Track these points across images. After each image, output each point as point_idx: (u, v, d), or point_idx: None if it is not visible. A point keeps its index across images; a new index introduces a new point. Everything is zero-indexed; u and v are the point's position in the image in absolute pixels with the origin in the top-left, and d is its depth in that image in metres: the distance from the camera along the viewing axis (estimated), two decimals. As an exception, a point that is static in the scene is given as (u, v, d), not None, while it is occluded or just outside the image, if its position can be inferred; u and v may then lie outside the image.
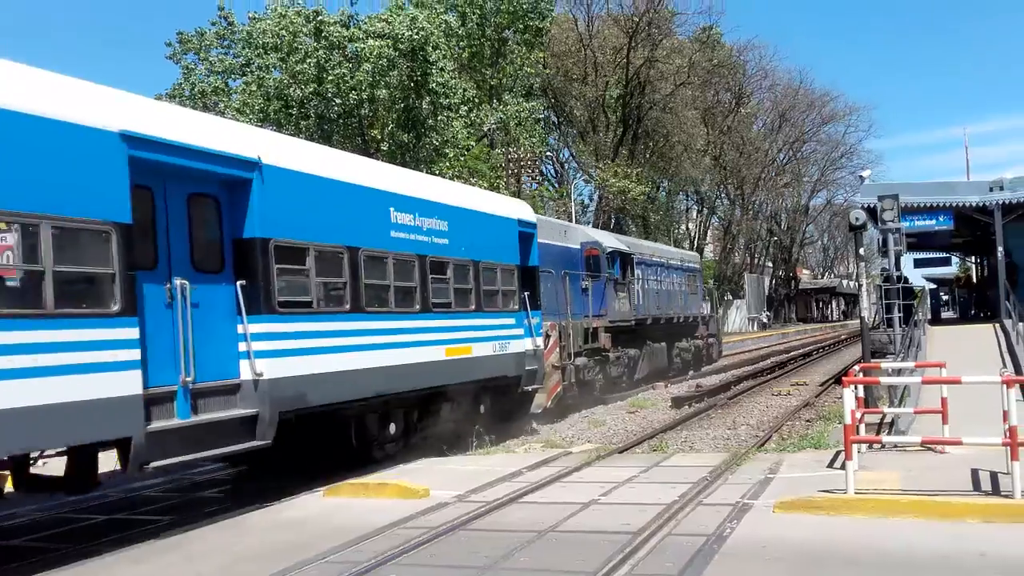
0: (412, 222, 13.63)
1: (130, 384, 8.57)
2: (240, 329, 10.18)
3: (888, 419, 13.11)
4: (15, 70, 8.20)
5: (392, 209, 13.14)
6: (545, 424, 18.50)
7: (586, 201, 58.25)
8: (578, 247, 23.71)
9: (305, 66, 28.56)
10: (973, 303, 37.40)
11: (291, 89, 29.01)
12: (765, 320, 79.10)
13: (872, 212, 21.38)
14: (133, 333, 8.67)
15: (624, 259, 25.58)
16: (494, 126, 34.52)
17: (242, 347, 10.20)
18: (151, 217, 9.33)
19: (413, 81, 28.74)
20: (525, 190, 47.21)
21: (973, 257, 41.97)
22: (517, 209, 18.02)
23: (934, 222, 25.83)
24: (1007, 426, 8.58)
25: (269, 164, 10.61)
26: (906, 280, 26.70)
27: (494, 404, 16.28)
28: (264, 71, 29.78)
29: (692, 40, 59.05)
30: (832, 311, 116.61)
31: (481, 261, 15.53)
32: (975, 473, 9.46)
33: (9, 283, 7.74)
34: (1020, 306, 19.31)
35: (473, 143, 32.50)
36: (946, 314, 37.54)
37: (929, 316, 29.62)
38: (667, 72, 54.91)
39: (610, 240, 26.38)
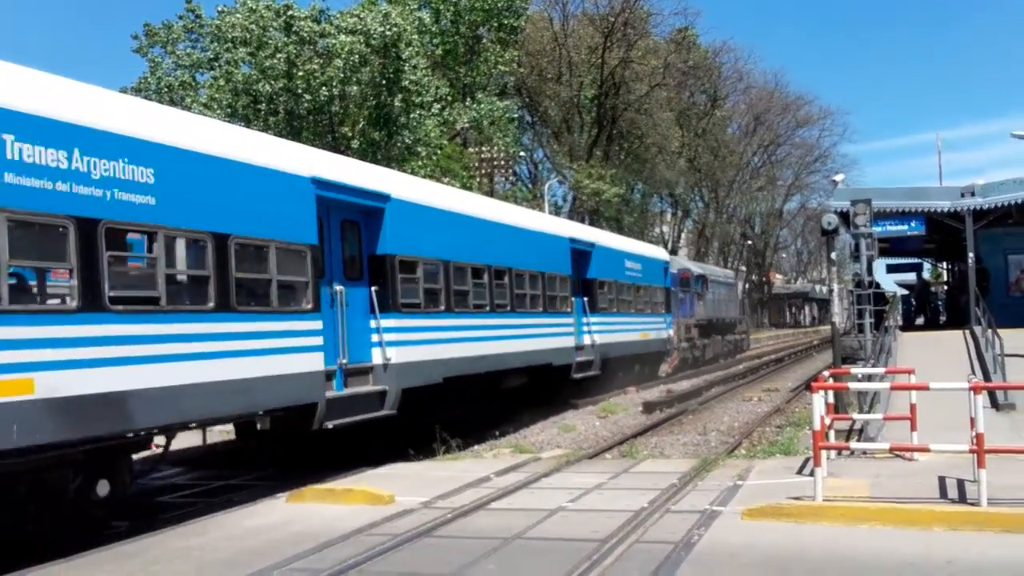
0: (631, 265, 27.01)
1: (318, 362, 11.91)
2: (373, 324, 13.57)
3: (858, 425, 13.11)
4: (244, 134, 12.75)
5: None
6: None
7: (560, 202, 58.28)
8: (676, 272, 33.70)
9: (275, 61, 28.24)
10: (929, 309, 37.78)
11: (260, 84, 28.66)
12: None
13: (845, 216, 21.45)
14: (319, 325, 12.01)
15: (700, 278, 37.98)
16: (467, 125, 34.34)
17: (375, 338, 13.58)
18: (322, 238, 12.42)
19: (385, 78, 28.50)
20: (498, 190, 47.10)
21: (944, 263, 42.34)
22: (663, 253, 33.51)
23: (906, 227, 25.96)
24: (974, 433, 8.58)
25: (396, 197, 14.15)
26: (878, 285, 26.87)
27: (645, 366, 28.65)
28: (233, 66, 29.41)
29: (668, 41, 59.21)
30: (804, 316, 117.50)
31: (646, 285, 28.33)
32: (942, 480, 9.48)
33: (254, 288, 11.08)
34: (990, 312, 19.41)
35: (446, 142, 32.32)
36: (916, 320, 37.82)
37: (901, 322, 29.83)
38: (642, 73, 55.02)
39: (694, 265, 39.85)
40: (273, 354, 11.10)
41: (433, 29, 33.11)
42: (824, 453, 9.36)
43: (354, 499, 10.52)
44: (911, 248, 34.06)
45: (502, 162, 46.69)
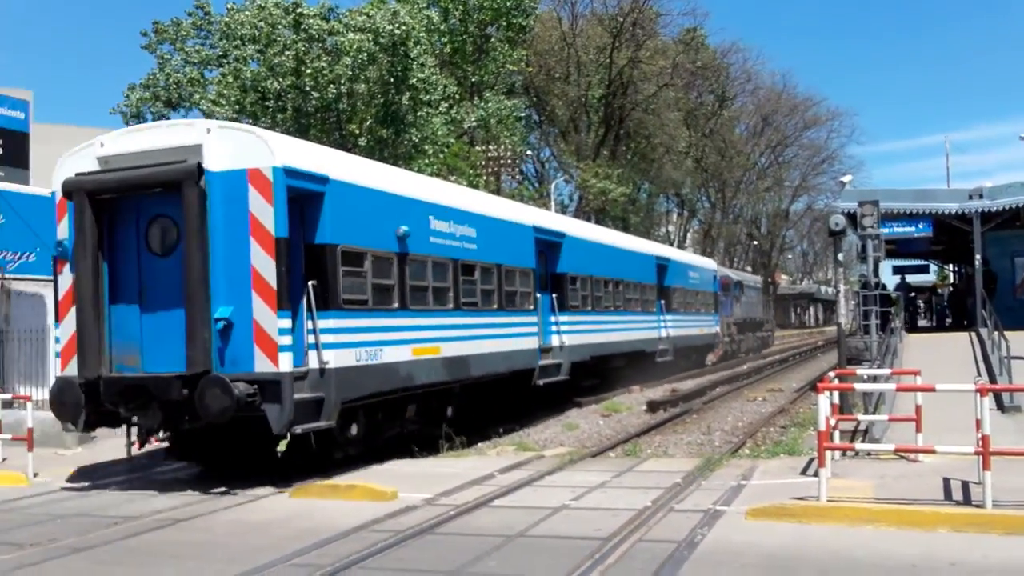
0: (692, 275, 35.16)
1: (536, 343, 19.05)
2: (553, 319, 20.30)
3: (862, 426, 13.08)
4: (503, 202, 21.09)
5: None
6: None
7: (566, 201, 58.23)
8: (710, 273, 38.84)
9: (283, 58, 28.23)
10: (934, 311, 37.63)
11: (268, 82, 28.66)
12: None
13: (852, 218, 21.39)
14: (536, 319, 19.14)
15: (738, 284, 45.14)
16: (474, 123, 34.30)
17: (554, 328, 20.31)
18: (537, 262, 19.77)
19: (393, 76, 28.48)
20: (505, 189, 47.09)
21: (951, 265, 42.21)
22: (713, 264, 41.44)
23: (913, 229, 25.91)
24: (980, 435, 8.55)
25: (569, 235, 22.06)
26: (885, 287, 26.78)
27: (699, 355, 35.30)
28: (241, 63, 29.41)
29: (676, 41, 59.12)
30: (810, 317, 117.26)
31: (702, 290, 35.75)
32: (947, 482, 9.45)
33: (512, 295, 18.00)
34: (996, 315, 19.34)
35: (453, 140, 32.28)
36: (922, 322, 37.70)
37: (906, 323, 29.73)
38: (650, 73, 54.96)
39: (732, 273, 47.64)
40: (519, 337, 18.36)
41: (442, 28, 33.09)
42: (829, 454, 9.34)
43: (357, 495, 10.52)
44: (918, 250, 33.95)
45: (509, 161, 46.62)
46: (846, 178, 49.49)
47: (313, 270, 12.15)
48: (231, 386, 10.85)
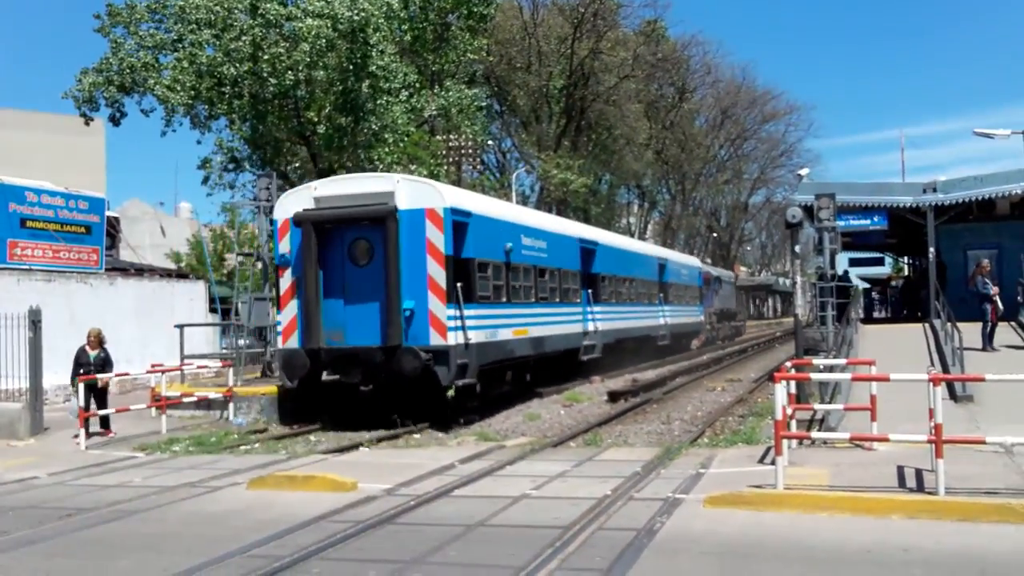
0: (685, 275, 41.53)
1: (581, 328, 24.59)
2: (588, 309, 25.33)
3: (819, 415, 13.24)
4: (560, 220, 28.70)
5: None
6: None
7: (527, 192, 58.20)
8: (698, 271, 44.64)
9: (240, 44, 27.70)
10: (889, 303, 38.33)
11: (225, 67, 28.12)
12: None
13: (809, 210, 21.68)
14: (580, 309, 24.69)
15: (716, 279, 50.58)
16: (435, 112, 34.03)
17: (590, 316, 25.41)
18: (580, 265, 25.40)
19: (352, 63, 28.09)
20: (466, 179, 46.92)
21: (906, 257, 42.93)
22: (697, 262, 47.73)
23: (869, 222, 26.32)
24: (933, 424, 8.69)
25: (602, 243, 27.82)
26: (844, 277, 27.16)
27: (686, 340, 39.21)
28: (197, 48, 28.82)
29: (637, 33, 59.20)
30: (768, 308, 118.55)
31: (690, 285, 40.79)
32: (901, 470, 9.60)
33: (566, 290, 23.79)
34: (948, 307, 19.71)
35: (413, 129, 32.01)
36: (878, 314, 38.36)
37: (862, 315, 30.20)
38: (611, 64, 55.03)
39: (711, 269, 52.77)
40: (571, 323, 23.92)
41: (402, 15, 32.62)
42: (785, 442, 9.44)
43: (316, 486, 10.44)
44: (874, 242, 34.51)
45: (470, 151, 46.44)
46: (804, 171, 49.95)
47: (460, 275, 17.27)
48: (419, 353, 16.29)
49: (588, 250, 26.20)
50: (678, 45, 66.22)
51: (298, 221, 17.38)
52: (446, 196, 17.42)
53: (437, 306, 16.65)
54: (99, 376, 15.69)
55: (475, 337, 17.41)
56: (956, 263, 26.95)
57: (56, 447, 15.12)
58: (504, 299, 19.45)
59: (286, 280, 17.84)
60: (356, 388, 17.83)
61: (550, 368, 22.88)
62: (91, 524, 9.13)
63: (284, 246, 17.87)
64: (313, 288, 17.13)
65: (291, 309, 17.61)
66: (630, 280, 30.73)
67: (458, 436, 15.71)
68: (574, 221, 33.03)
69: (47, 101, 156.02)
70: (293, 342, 17.43)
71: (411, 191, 17.24)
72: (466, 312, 17.08)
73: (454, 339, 16.70)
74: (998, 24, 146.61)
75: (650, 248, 39.25)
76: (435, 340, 16.58)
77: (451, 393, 18.05)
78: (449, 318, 16.65)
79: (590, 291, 25.74)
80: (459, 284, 17.00)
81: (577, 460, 12.04)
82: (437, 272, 16.75)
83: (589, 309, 25.54)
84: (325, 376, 17.83)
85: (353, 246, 17.51)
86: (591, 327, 25.41)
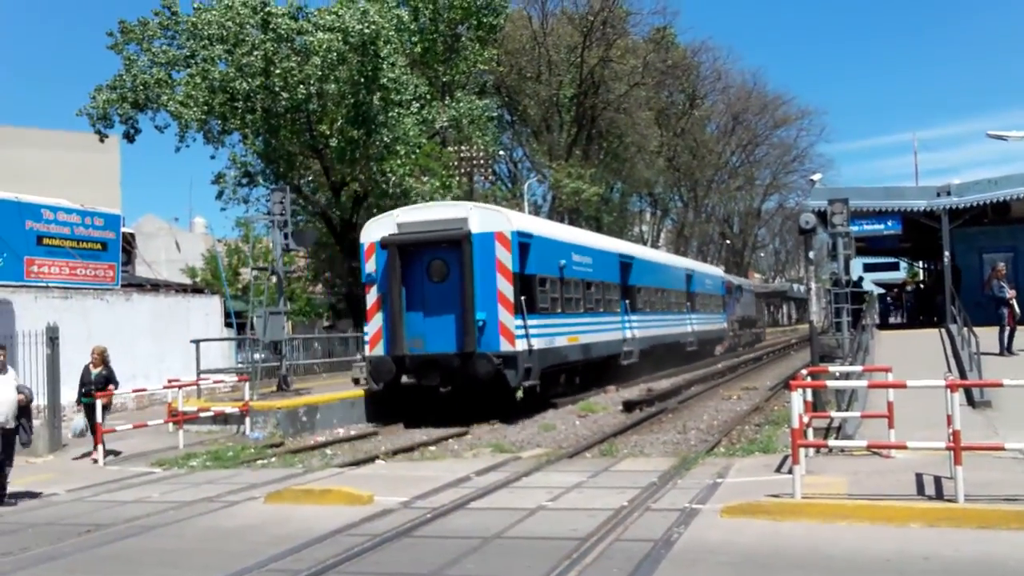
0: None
1: (621, 334, 27.06)
2: (626, 317, 27.67)
3: (836, 423, 13.18)
4: (601, 238, 31.43)
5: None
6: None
7: (539, 202, 58.19)
8: (720, 280, 47.30)
9: (252, 59, 27.86)
10: (905, 308, 38.07)
11: (237, 82, 28.28)
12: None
13: (822, 216, 21.58)
14: (619, 318, 27.03)
15: (738, 287, 53.03)
16: (446, 124, 34.10)
17: (627, 324, 27.66)
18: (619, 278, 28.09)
19: (363, 76, 28.20)
20: (478, 189, 46.98)
21: (920, 261, 42.69)
22: (721, 272, 50.48)
23: (883, 226, 26.16)
24: (951, 430, 8.63)
25: (638, 257, 30.87)
26: (859, 283, 27.02)
27: (711, 347, 41.88)
28: (209, 63, 28.99)
29: (646, 40, 59.21)
30: (783, 315, 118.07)
31: (715, 294, 44.03)
32: (919, 477, 9.54)
33: (609, 301, 26.72)
34: (964, 311, 19.58)
35: (424, 140, 32.11)
36: (893, 319, 38.13)
37: (877, 320, 30.03)
38: (621, 72, 55.01)
39: (733, 278, 54.24)
40: (612, 331, 26.26)
41: (412, 27, 32.79)
42: (803, 451, 9.41)
43: (333, 499, 10.46)
44: (888, 247, 34.36)
45: (481, 161, 46.47)
46: (816, 176, 49.87)
47: (524, 290, 19.74)
48: (492, 358, 18.96)
49: (626, 264, 28.82)
50: (688, 52, 66.16)
51: (384, 244, 19.91)
52: (513, 221, 20.10)
53: (506, 317, 19.25)
54: (98, 394, 15.45)
55: (537, 344, 19.94)
56: (971, 267, 26.79)
57: (74, 464, 15.21)
58: (559, 310, 22.20)
59: (371, 296, 20.38)
60: (433, 390, 20.46)
61: (596, 372, 25.35)
62: (110, 540, 9.18)
63: (370, 266, 20.43)
64: (397, 302, 19.71)
65: (376, 321, 20.29)
66: (662, 291, 33.47)
67: (474, 448, 15.71)
68: (612, 238, 35.69)
69: (62, 119, 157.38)
70: (379, 350, 20.14)
71: (482, 217, 19.81)
72: (529, 322, 19.54)
73: (520, 346, 19.29)
74: (1008, 24, 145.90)
75: (678, 260, 42.01)
76: (504, 347, 19.16)
77: (519, 394, 20.59)
78: (516, 327, 19.22)
79: (627, 301, 28.29)
80: (523, 297, 19.48)
81: (593, 471, 12.01)
82: (505, 287, 19.34)
83: (627, 318, 28.05)
84: (404, 380, 20.33)
85: (431, 265, 20.00)
86: (629, 334, 27.90)
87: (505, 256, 19.21)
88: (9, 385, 11.53)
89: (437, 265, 19.90)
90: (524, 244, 19.89)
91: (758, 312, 65.96)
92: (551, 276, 21.78)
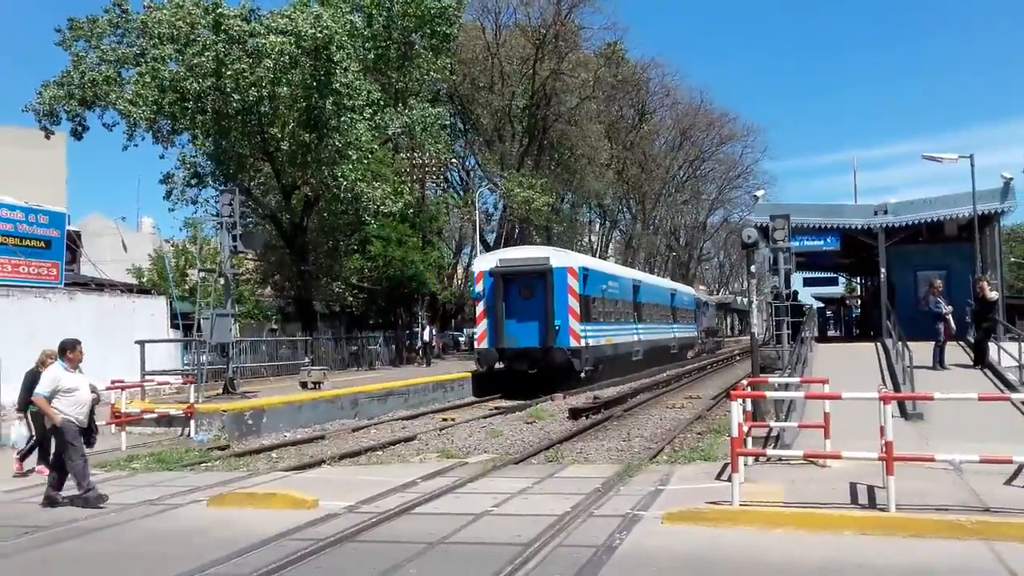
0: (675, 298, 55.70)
1: (636, 339, 39.18)
2: (635, 326, 39.63)
3: (774, 433, 13.46)
4: (623, 269, 47.13)
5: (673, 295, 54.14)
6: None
7: (491, 210, 58.34)
8: (693, 297, 58.94)
9: (203, 59, 27.58)
10: (844, 322, 38.97)
11: (188, 82, 27.99)
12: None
13: (765, 231, 21.98)
14: (636, 327, 39.68)
15: (705, 302, 63.47)
16: (399, 130, 34.11)
17: (636, 332, 39.36)
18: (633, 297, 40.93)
19: (316, 80, 28.09)
20: (429, 196, 46.95)
21: (858, 277, 43.66)
22: (692, 289, 65.32)
23: (822, 243, 26.70)
24: (883, 441, 8.89)
25: (644, 282, 44.82)
26: (795, 296, 27.55)
27: (683, 350, 51.10)
28: (159, 62, 28.63)
29: (597, 55, 59.85)
30: (727, 326, 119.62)
31: (689, 308, 57.11)
32: (853, 486, 9.78)
33: (622, 313, 38.53)
34: (899, 326, 20.09)
35: (377, 146, 32.04)
36: (832, 333, 38.98)
37: (816, 333, 30.63)
38: (572, 85, 55.52)
39: (703, 294, 67.15)
40: (629, 335, 37.79)
41: (365, 33, 32.70)
42: (742, 459, 9.61)
43: (276, 503, 10.40)
44: (827, 263, 35.09)
45: (434, 168, 46.49)
46: (759, 192, 50.68)
47: (583, 305, 30.12)
48: (565, 351, 28.80)
49: (636, 286, 40.34)
50: (637, 67, 67.02)
51: (491, 273, 30.09)
52: (578, 260, 31.57)
53: (574, 323, 29.30)
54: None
55: (591, 342, 30.47)
56: (906, 283, 27.38)
57: (12, 464, 14.85)
58: (601, 320, 33.13)
59: (480, 307, 30.80)
60: (524, 373, 29.08)
61: (620, 364, 34.77)
62: (49, 542, 9.03)
63: (479, 287, 30.69)
64: (500, 312, 29.64)
65: (483, 325, 30.35)
66: (657, 306, 44.91)
67: (420, 453, 15.73)
68: (632, 269, 50.70)
69: (7, 114, 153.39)
70: (485, 343, 30.03)
71: (559, 256, 30.78)
72: (587, 327, 30.00)
73: (583, 343, 29.56)
74: (946, 51, 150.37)
75: (666, 282, 56.73)
76: (573, 343, 29.19)
77: (582, 375, 29.53)
78: (580, 330, 29.48)
79: (636, 314, 39.62)
80: (581, 309, 29.23)
81: (539, 477, 12.11)
82: (573, 303, 29.52)
83: (636, 326, 39.17)
84: (498, 366, 29.56)
85: (523, 288, 29.82)
86: (637, 338, 38.65)
87: (573, 283, 29.44)
88: (86, 384, 11.73)
89: (527, 288, 29.70)
90: (584, 274, 30.10)
91: (719, 323, 78.71)
92: (598, 296, 32.60)
